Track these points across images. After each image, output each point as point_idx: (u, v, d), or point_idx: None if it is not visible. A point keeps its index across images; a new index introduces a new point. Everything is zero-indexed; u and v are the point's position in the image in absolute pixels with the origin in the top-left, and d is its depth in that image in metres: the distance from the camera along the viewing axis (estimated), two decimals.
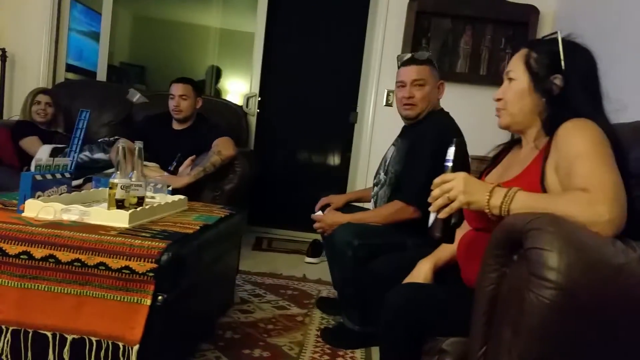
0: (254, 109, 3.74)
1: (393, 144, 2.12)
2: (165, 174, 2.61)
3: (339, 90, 3.83)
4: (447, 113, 2.05)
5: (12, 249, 1.24)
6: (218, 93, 3.96)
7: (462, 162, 1.13)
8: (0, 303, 1.22)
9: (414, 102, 1.97)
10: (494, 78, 3.20)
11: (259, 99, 3.77)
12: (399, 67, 2.05)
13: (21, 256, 1.23)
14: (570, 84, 1.14)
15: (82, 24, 4.06)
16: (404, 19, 3.36)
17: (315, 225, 2.12)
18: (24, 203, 1.44)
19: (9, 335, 1.23)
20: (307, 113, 3.89)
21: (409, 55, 2.06)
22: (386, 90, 3.44)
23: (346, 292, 1.97)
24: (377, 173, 2.14)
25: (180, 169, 2.68)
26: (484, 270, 0.96)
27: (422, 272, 1.35)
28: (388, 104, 3.45)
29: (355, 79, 3.76)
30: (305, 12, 3.85)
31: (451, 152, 1.12)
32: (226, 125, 3.11)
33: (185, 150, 2.74)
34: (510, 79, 1.23)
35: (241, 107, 3.65)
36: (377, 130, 3.50)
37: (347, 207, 2.26)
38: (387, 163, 2.07)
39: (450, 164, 1.12)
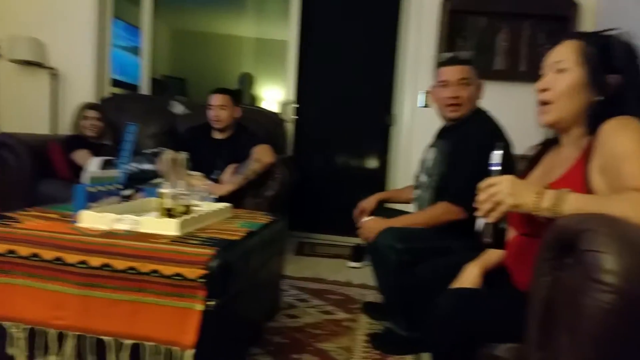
0: (290, 115, 3.78)
1: (433, 146, 2.10)
2: (209, 182, 2.67)
3: (375, 93, 3.83)
4: (488, 112, 2.01)
5: (71, 258, 1.30)
6: (252, 99, 4.01)
7: (508, 166, 1.11)
8: (63, 310, 1.29)
9: (460, 102, 1.92)
10: (535, 74, 3.13)
11: (296, 105, 3.81)
12: (439, 67, 2.02)
13: (79, 265, 1.29)
14: (627, 85, 1.08)
15: (122, 40, 4.21)
16: (437, 19, 3.34)
17: (359, 232, 2.12)
18: (79, 214, 1.50)
19: (74, 340, 1.29)
20: (344, 117, 3.91)
21: (450, 55, 2.04)
22: (422, 92, 3.42)
23: (391, 298, 1.96)
24: (418, 176, 2.13)
25: (223, 177, 2.74)
26: (537, 274, 0.94)
27: (470, 276, 1.33)
28: (424, 105, 3.43)
29: (390, 81, 3.75)
30: (337, 17, 3.87)
31: (497, 156, 1.10)
32: (264, 133, 3.16)
33: (226, 159, 2.80)
34: (561, 70, 1.15)
35: (278, 114, 3.71)
36: (415, 131, 3.48)
37: (384, 211, 2.25)
38: (428, 165, 2.05)
39: (496, 168, 1.09)
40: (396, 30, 3.69)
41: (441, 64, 2.01)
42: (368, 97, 3.84)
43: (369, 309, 2.30)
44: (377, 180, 3.84)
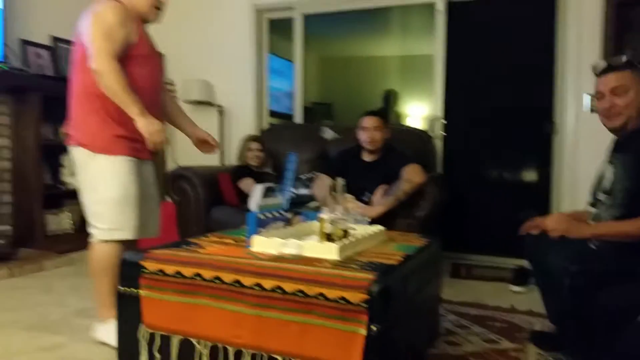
0: (438, 132, 3.72)
1: (609, 162, 1.89)
2: (360, 204, 2.74)
3: (530, 101, 3.58)
4: None
5: (247, 281, 1.43)
6: (397, 116, 4.00)
7: None
8: (241, 329, 1.42)
9: (616, 111, 1.77)
10: None
11: (444, 121, 3.74)
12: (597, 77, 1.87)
13: (254, 287, 1.42)
14: None
15: (274, 71, 4.55)
16: (600, 14, 3.03)
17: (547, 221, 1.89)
18: (251, 239, 1.66)
19: (249, 358, 1.42)
20: (496, 129, 3.72)
21: (603, 63, 1.86)
22: (587, 95, 3.12)
23: (566, 327, 1.78)
24: (593, 194, 1.92)
25: (374, 198, 2.79)
26: None
27: None
28: (591, 110, 3.12)
29: (548, 86, 3.48)
30: (485, 26, 3.72)
31: None
32: (413, 151, 3.15)
33: (376, 180, 2.84)
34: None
35: (426, 131, 3.67)
36: (582, 138, 3.19)
37: None
38: (606, 183, 1.85)
39: None
40: (552, 30, 3.44)
41: (597, 74, 1.86)
42: (523, 105, 3.60)
43: (538, 338, 2.12)
44: (538, 194, 3.57)
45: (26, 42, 3.63)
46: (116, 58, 1.84)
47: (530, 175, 3.72)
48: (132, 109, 1.85)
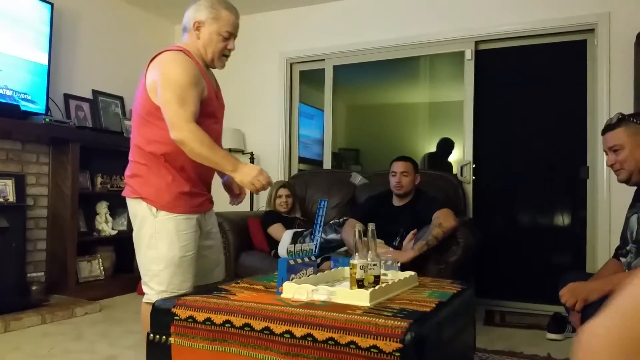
0: (469, 176, 3.69)
1: (633, 210, 1.86)
2: (391, 249, 2.71)
3: (563, 146, 3.55)
4: None
5: (278, 329, 1.42)
6: (449, 166, 3.92)
7: None
8: None
9: (617, 167, 1.84)
10: None
11: (473, 165, 3.72)
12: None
13: (285, 335, 1.40)
14: None
15: (303, 119, 4.64)
16: (631, 59, 3.03)
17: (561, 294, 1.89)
18: (282, 286, 1.65)
19: None
20: (527, 173, 3.67)
21: (607, 121, 1.93)
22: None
23: None
24: (621, 246, 1.88)
25: (404, 243, 2.76)
26: None
27: None
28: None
29: (580, 130, 3.45)
30: (513, 71, 3.76)
31: None
32: (443, 196, 3.13)
33: (406, 225, 2.82)
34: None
35: (456, 175, 3.65)
36: (615, 184, 3.10)
37: None
38: (632, 232, 1.81)
39: None
40: (584, 75, 3.44)
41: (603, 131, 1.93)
42: (554, 150, 3.57)
43: None
44: (573, 238, 3.47)
45: (68, 96, 3.83)
46: (195, 121, 1.74)
47: (564, 220, 3.63)
48: (226, 167, 1.78)
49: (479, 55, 3.74)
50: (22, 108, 3.28)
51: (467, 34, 3.70)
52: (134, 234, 1.91)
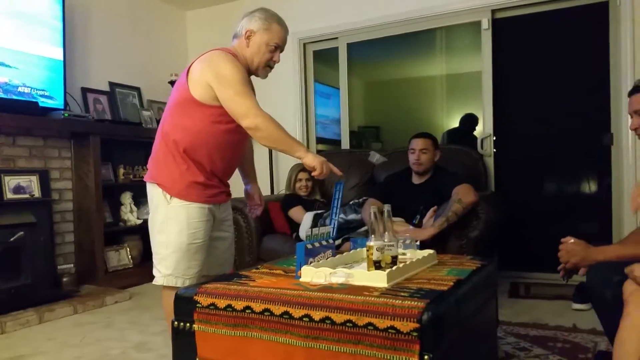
0: (489, 149, 3.63)
1: None
2: (411, 227, 2.70)
3: (585, 112, 3.46)
4: None
5: (297, 313, 1.43)
6: (474, 142, 3.79)
7: None
8: None
9: None
10: None
11: (494, 138, 3.65)
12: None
13: (304, 318, 1.42)
14: None
15: (320, 98, 4.61)
16: None
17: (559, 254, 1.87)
18: (300, 270, 1.66)
19: None
20: (549, 143, 3.60)
21: (636, 82, 1.83)
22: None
23: None
24: None
25: (424, 220, 2.74)
26: None
27: None
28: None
29: (604, 96, 3.35)
30: (533, 39, 3.65)
31: None
32: (463, 171, 3.09)
33: (426, 202, 2.80)
34: None
35: (476, 149, 3.59)
36: None
37: None
38: None
39: None
40: (606, 40, 3.32)
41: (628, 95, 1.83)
42: (577, 117, 3.48)
43: (603, 359, 2.00)
44: (598, 205, 3.40)
45: (86, 90, 3.88)
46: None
47: (589, 187, 3.55)
48: (299, 149, 1.85)
49: (496, 24, 3.63)
50: (41, 104, 3.33)
51: (483, 2, 3.59)
52: (149, 217, 1.99)
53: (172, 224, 1.90)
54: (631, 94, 1.80)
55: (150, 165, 1.99)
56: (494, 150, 3.63)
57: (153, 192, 1.95)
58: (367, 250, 1.65)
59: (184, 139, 1.89)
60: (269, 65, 2.03)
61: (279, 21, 2.01)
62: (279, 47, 2.02)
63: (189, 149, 1.89)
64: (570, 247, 1.83)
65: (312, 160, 1.84)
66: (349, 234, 2.79)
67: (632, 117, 1.81)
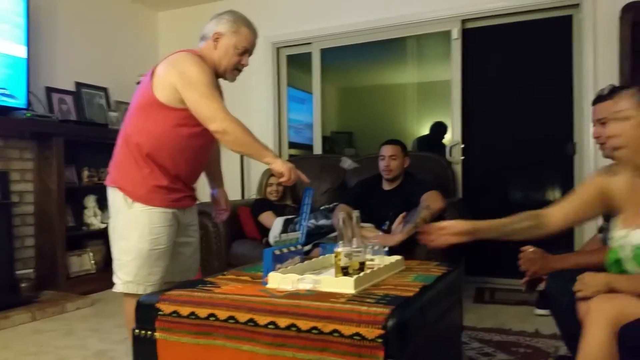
0: (457, 157, 3.68)
1: None
2: (380, 233, 2.71)
3: (549, 122, 3.54)
4: None
5: (262, 320, 1.41)
6: (443, 150, 3.82)
7: None
8: None
9: (602, 140, 1.76)
10: None
11: (462, 145, 3.71)
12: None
13: (269, 326, 1.40)
14: None
15: (294, 103, 4.59)
16: (617, 34, 3.00)
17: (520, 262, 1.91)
18: (267, 276, 1.64)
19: None
20: (515, 151, 3.68)
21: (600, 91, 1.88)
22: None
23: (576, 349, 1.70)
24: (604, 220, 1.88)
25: (393, 227, 2.76)
26: None
27: None
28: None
29: (567, 106, 3.45)
30: (500, 50, 3.73)
31: None
32: (432, 177, 3.12)
33: (396, 208, 2.82)
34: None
35: (444, 157, 3.64)
36: (601, 159, 3.10)
37: None
38: None
39: None
40: (569, 52, 3.43)
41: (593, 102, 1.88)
42: (541, 127, 3.56)
43: None
44: None
45: (50, 89, 3.77)
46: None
47: (553, 196, 3.63)
48: (266, 154, 1.81)
49: (466, 34, 3.70)
50: (2, 103, 3.22)
51: (453, 12, 3.66)
52: (109, 222, 1.95)
53: (133, 229, 1.85)
54: (594, 103, 1.85)
55: (111, 169, 1.94)
56: (462, 157, 3.69)
57: (114, 196, 1.90)
58: (335, 257, 1.64)
59: (147, 142, 1.84)
60: (237, 69, 2.00)
61: (248, 24, 1.99)
62: (248, 51, 1.99)
63: (152, 153, 1.85)
64: (530, 255, 1.86)
65: (280, 166, 1.81)
66: (320, 240, 2.78)
67: (594, 125, 1.85)
